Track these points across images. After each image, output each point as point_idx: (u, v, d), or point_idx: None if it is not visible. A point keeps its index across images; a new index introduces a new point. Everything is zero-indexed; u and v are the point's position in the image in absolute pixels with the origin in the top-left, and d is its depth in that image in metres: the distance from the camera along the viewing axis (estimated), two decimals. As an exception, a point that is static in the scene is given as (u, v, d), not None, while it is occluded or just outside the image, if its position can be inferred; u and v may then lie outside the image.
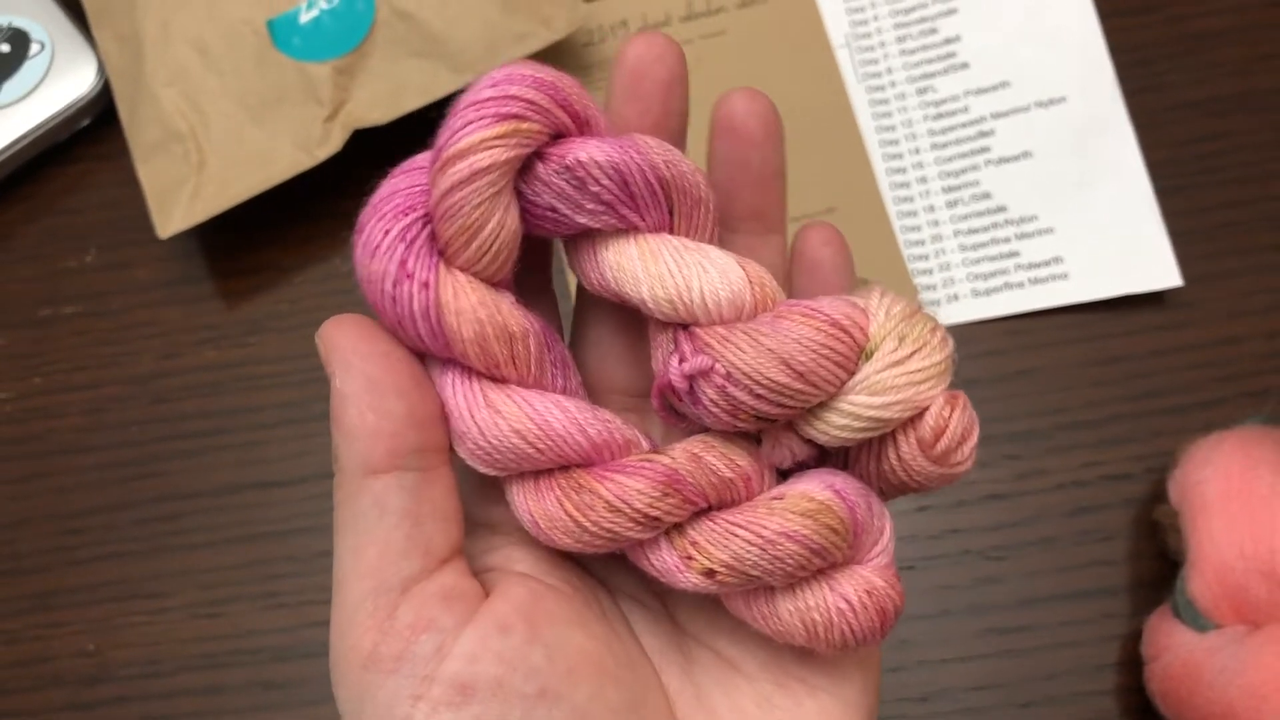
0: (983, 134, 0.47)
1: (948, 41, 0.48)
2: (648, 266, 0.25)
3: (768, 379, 0.23)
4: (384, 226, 0.24)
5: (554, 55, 0.49)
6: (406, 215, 0.25)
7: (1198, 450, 0.39)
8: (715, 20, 0.50)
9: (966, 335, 0.44)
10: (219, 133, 0.46)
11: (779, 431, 0.25)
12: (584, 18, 0.47)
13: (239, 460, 0.45)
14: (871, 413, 0.24)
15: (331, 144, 0.46)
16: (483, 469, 0.25)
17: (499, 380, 0.25)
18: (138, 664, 0.43)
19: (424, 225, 0.25)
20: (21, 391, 0.46)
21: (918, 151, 0.47)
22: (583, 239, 0.26)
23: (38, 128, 0.48)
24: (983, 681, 0.40)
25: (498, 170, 0.24)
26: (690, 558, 0.25)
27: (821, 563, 0.25)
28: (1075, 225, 0.45)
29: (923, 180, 0.46)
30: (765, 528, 0.24)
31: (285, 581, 0.43)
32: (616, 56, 0.26)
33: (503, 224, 0.24)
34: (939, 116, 0.47)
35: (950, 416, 0.24)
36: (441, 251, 0.24)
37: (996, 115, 0.47)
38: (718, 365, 0.24)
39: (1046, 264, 0.44)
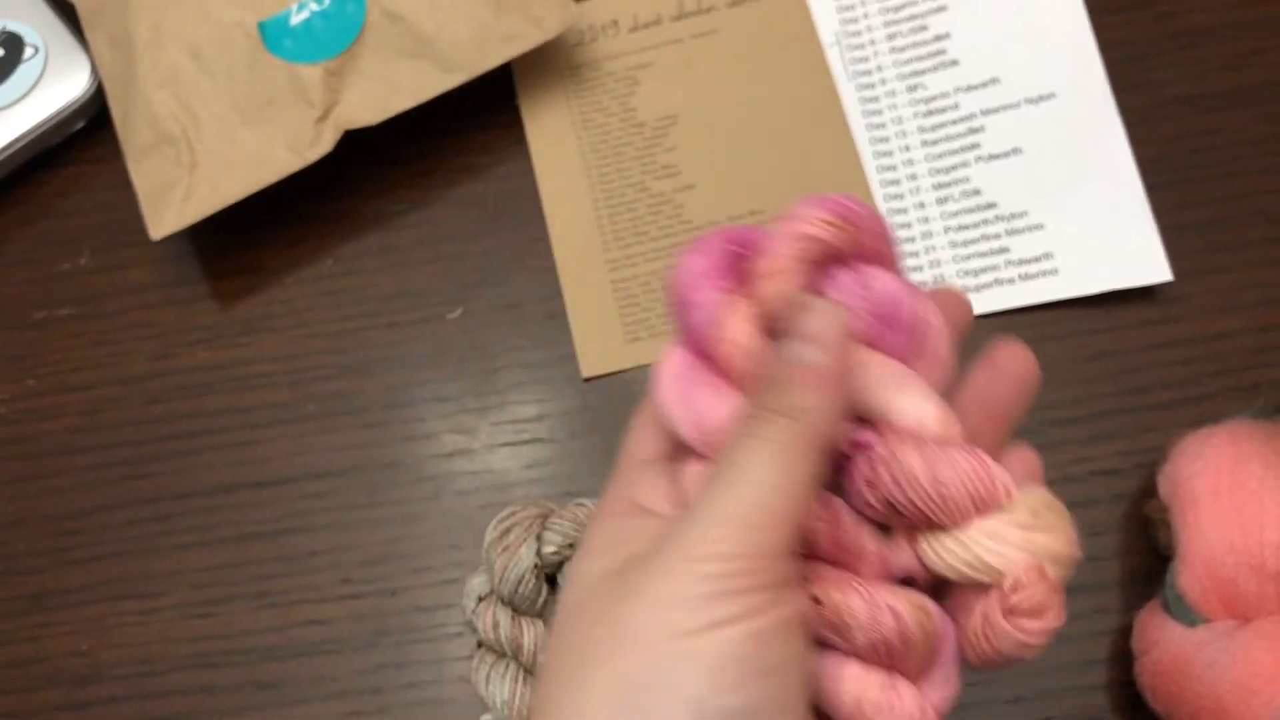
0: (973, 131, 0.47)
1: (938, 39, 0.48)
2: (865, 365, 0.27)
3: (911, 473, 0.26)
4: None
5: (545, 55, 0.49)
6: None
7: (1187, 445, 0.39)
8: (706, 19, 0.50)
9: (956, 332, 0.44)
10: (211, 134, 0.46)
11: (899, 536, 0.27)
12: (575, 17, 0.48)
13: (231, 460, 0.45)
14: (981, 551, 0.26)
15: (322, 145, 0.46)
16: None
17: None
18: (131, 664, 0.43)
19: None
20: (16, 393, 0.47)
21: (908, 149, 0.47)
22: None
23: (32, 131, 0.49)
24: (972, 677, 0.40)
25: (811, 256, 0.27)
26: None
27: (898, 653, 0.26)
28: (1065, 221, 0.45)
29: (913, 177, 0.46)
30: (877, 593, 0.26)
31: (277, 581, 0.43)
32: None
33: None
34: (929, 114, 0.47)
35: (1035, 580, 0.26)
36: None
37: (986, 112, 0.47)
38: (879, 445, 0.26)
39: (1036, 260, 0.44)
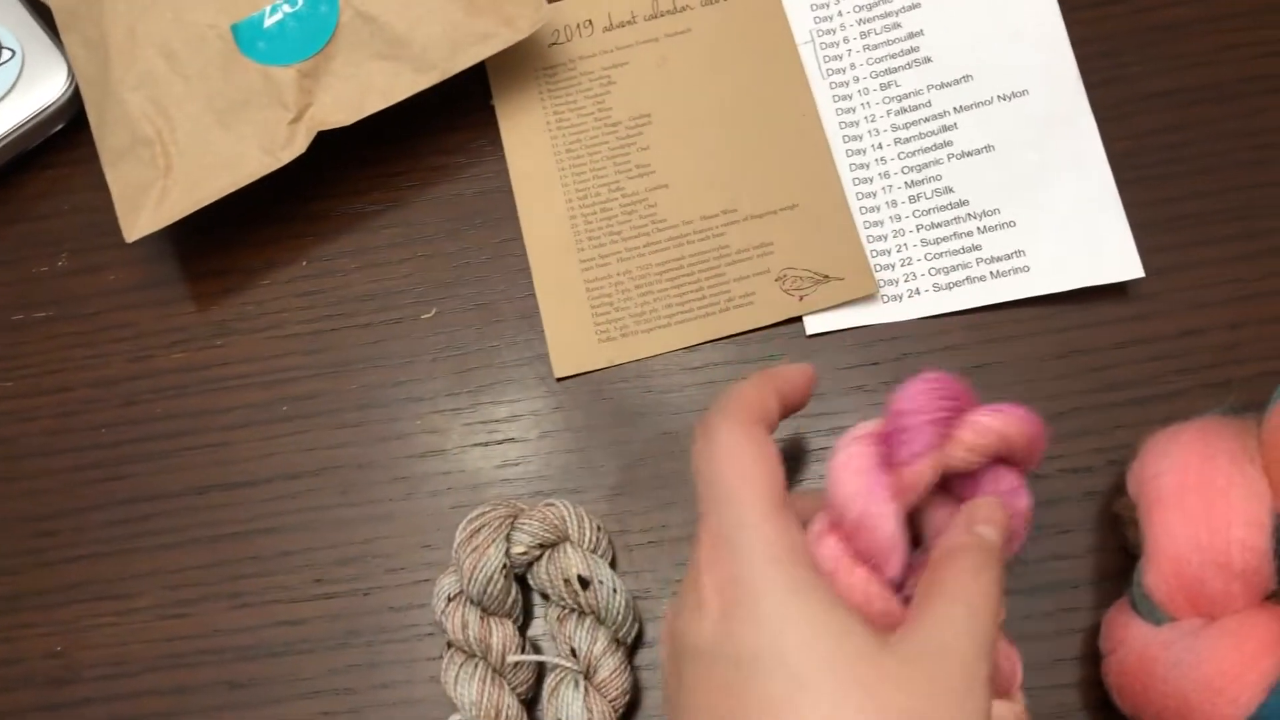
0: (945, 128, 0.47)
1: (911, 36, 0.48)
2: None
3: None
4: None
5: (519, 54, 0.49)
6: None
7: (1155, 442, 0.39)
8: (680, 18, 0.50)
9: (927, 329, 0.44)
10: (185, 136, 0.46)
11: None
12: (548, 17, 0.48)
13: (206, 461, 0.45)
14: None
15: (296, 146, 0.46)
16: None
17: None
18: (105, 665, 0.43)
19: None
20: (-6, 395, 0.47)
21: (880, 146, 0.47)
22: None
23: (9, 133, 0.49)
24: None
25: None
26: None
27: None
28: (1037, 218, 0.45)
29: (885, 175, 0.46)
30: None
31: (250, 581, 0.44)
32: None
33: None
34: (902, 111, 0.47)
35: None
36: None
37: (959, 109, 0.47)
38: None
39: (1008, 257, 0.44)
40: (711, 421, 0.32)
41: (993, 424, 0.33)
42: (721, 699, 0.28)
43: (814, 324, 0.45)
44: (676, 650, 0.30)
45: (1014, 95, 0.46)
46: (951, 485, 0.34)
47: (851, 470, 0.31)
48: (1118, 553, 0.41)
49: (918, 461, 0.31)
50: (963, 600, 0.29)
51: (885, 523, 0.30)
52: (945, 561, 0.31)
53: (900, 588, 0.31)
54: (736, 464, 0.30)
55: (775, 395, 0.34)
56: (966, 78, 0.47)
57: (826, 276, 0.46)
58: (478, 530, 0.41)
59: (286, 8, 0.47)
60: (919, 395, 0.32)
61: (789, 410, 0.35)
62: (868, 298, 0.45)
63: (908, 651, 0.28)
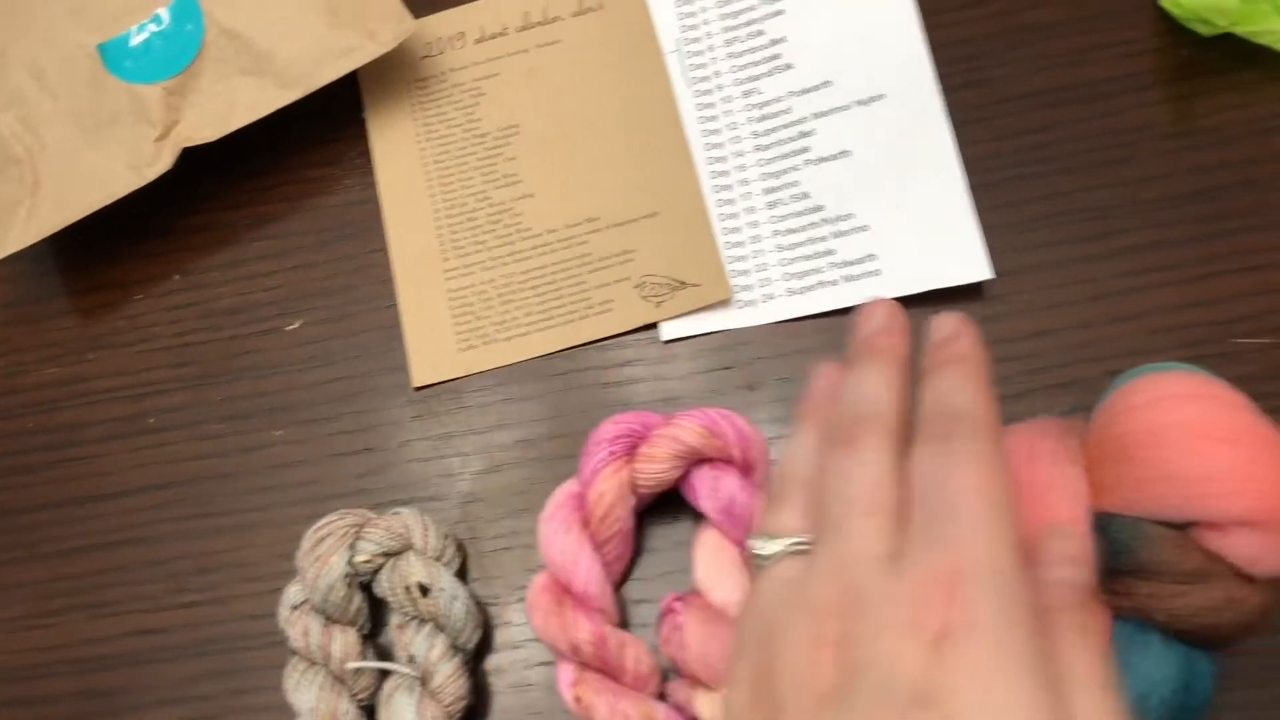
0: (804, 134, 0.47)
1: (774, 43, 0.48)
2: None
3: (688, 642, 0.39)
4: None
5: (390, 67, 0.50)
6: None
7: None
8: (551, 29, 0.50)
9: (779, 333, 0.45)
10: (54, 155, 0.47)
11: (685, 677, 0.39)
12: (415, 30, 0.48)
13: (73, 475, 0.46)
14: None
15: (162, 163, 0.47)
16: None
17: None
18: (-31, 674, 0.44)
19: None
20: (-126, 411, 0.48)
21: (741, 154, 0.47)
22: None
23: (-104, 155, 0.50)
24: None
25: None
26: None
27: None
28: (889, 222, 0.45)
29: (744, 182, 0.47)
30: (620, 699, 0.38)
31: (113, 591, 0.44)
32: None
33: None
34: (763, 119, 0.47)
35: None
36: None
37: (817, 115, 0.47)
38: (680, 613, 0.39)
39: (860, 261, 0.45)
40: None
41: (673, 433, 0.39)
42: None
43: (670, 330, 0.45)
44: None
45: (871, 100, 0.46)
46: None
47: (555, 534, 0.40)
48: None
49: (595, 479, 0.39)
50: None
51: (584, 568, 0.39)
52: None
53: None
54: None
55: None
56: (826, 83, 0.47)
57: (683, 283, 0.46)
58: (322, 539, 0.41)
59: (153, 27, 0.48)
60: (602, 428, 0.40)
61: None
62: (723, 303, 0.45)
63: None
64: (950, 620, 0.23)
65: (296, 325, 0.47)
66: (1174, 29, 0.46)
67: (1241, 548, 0.32)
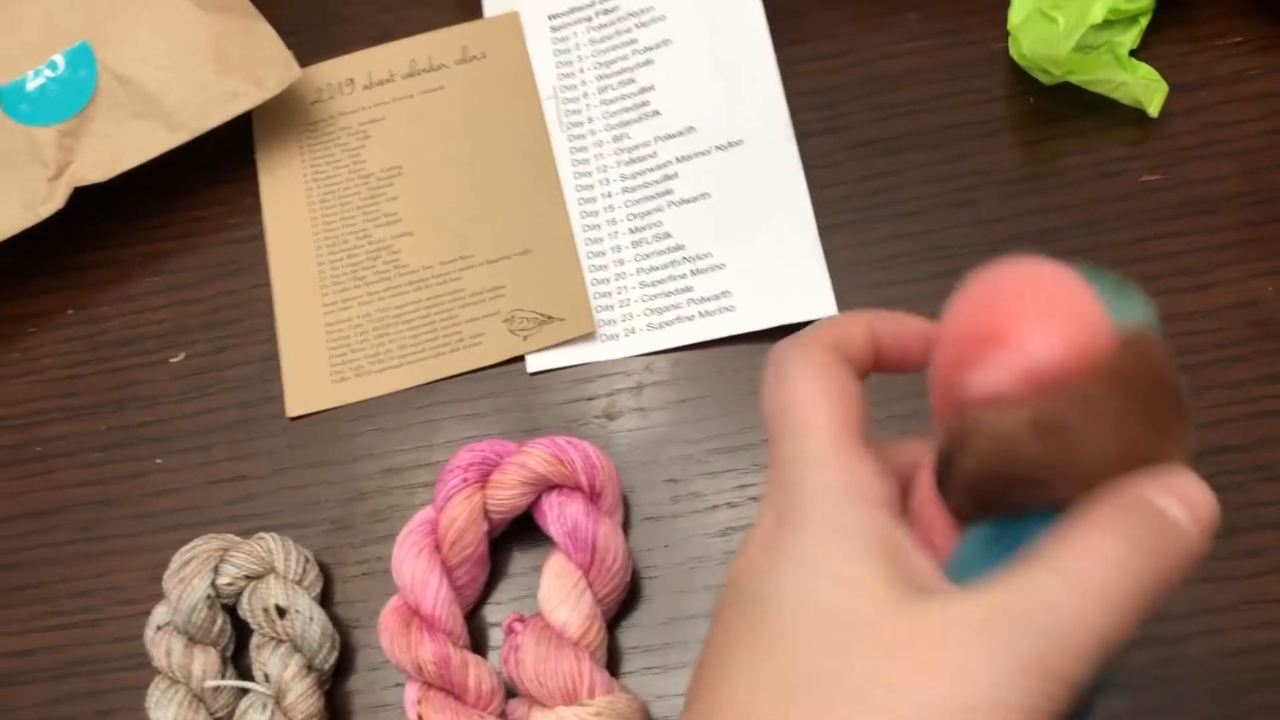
0: (668, 177, 0.49)
1: (643, 90, 0.51)
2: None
3: (526, 662, 0.40)
4: None
5: (279, 112, 0.52)
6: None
7: None
8: (435, 76, 0.53)
9: (637, 366, 0.46)
10: (-49, 193, 0.49)
11: (525, 696, 0.41)
12: (301, 77, 0.50)
13: (-44, 501, 0.47)
14: None
15: (55, 202, 0.49)
16: None
17: None
18: None
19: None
20: None
21: (610, 195, 0.49)
22: None
23: None
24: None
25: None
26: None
27: None
28: (744, 261, 0.47)
29: (612, 222, 0.49)
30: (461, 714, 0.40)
31: (-12, 614, 0.46)
32: None
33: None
34: (631, 162, 0.50)
35: None
36: None
37: (681, 159, 0.49)
38: (520, 634, 0.40)
39: (716, 297, 0.47)
40: (782, 348, 0.27)
41: (521, 460, 0.42)
42: (730, 634, 0.25)
43: (535, 362, 0.47)
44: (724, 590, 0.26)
45: (731, 145, 0.49)
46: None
47: (407, 558, 0.42)
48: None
49: (448, 505, 0.41)
50: (1106, 552, 0.22)
51: (434, 591, 0.41)
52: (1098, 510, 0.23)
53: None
54: (803, 393, 0.26)
55: (866, 331, 0.28)
56: (690, 129, 0.50)
57: (550, 317, 0.48)
58: (188, 562, 0.43)
59: (48, 73, 0.50)
60: (458, 456, 0.42)
61: (892, 363, 0.29)
62: (586, 336, 0.47)
63: (987, 605, 0.22)
64: None
65: (180, 357, 0.49)
66: (1022, 78, 0.49)
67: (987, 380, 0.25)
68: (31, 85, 0.50)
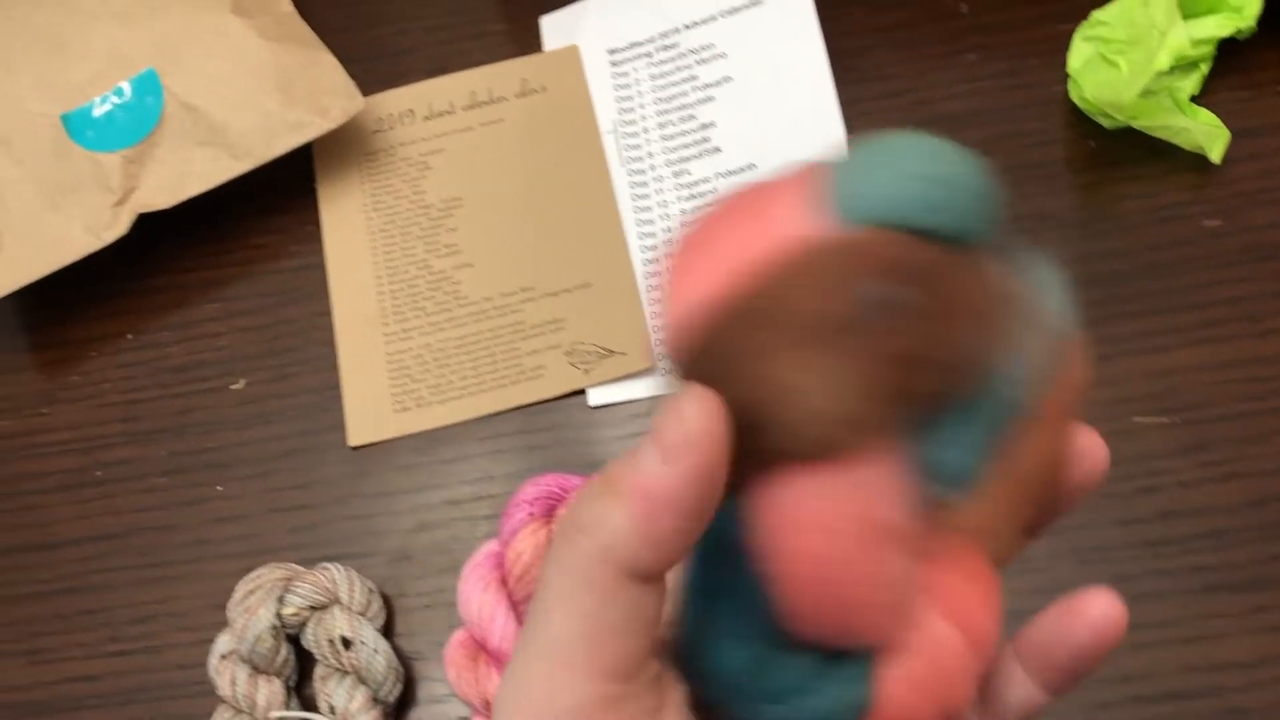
0: (729, 213, 0.49)
1: (704, 127, 0.51)
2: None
3: None
4: None
5: (340, 141, 0.52)
6: None
7: None
8: (496, 109, 0.53)
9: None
10: (16, 217, 0.49)
11: None
12: (364, 107, 0.51)
13: (18, 524, 0.48)
14: None
15: (119, 227, 0.49)
16: None
17: None
18: (-95, 717, 0.45)
19: None
20: None
21: (670, 230, 0.50)
22: None
23: None
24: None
25: None
26: None
27: None
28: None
29: (673, 256, 0.49)
30: None
31: (48, 639, 0.46)
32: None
33: None
34: (691, 198, 0.50)
35: None
36: None
37: (742, 195, 0.49)
38: None
39: (778, 335, 0.47)
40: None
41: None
42: None
43: (596, 396, 0.47)
44: None
45: (793, 182, 0.49)
46: None
47: (473, 591, 0.41)
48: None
49: (514, 539, 0.41)
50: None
51: (500, 625, 0.41)
52: None
53: None
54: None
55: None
56: (751, 166, 0.50)
57: (611, 351, 0.48)
58: (252, 591, 0.43)
59: (115, 99, 0.50)
60: (523, 490, 0.42)
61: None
62: (648, 370, 0.47)
63: None
64: None
65: (241, 385, 0.49)
66: (1081, 121, 0.49)
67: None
68: (98, 111, 0.50)
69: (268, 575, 0.43)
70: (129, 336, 0.51)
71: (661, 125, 0.52)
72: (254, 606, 0.42)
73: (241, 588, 0.43)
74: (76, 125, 0.50)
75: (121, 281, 0.52)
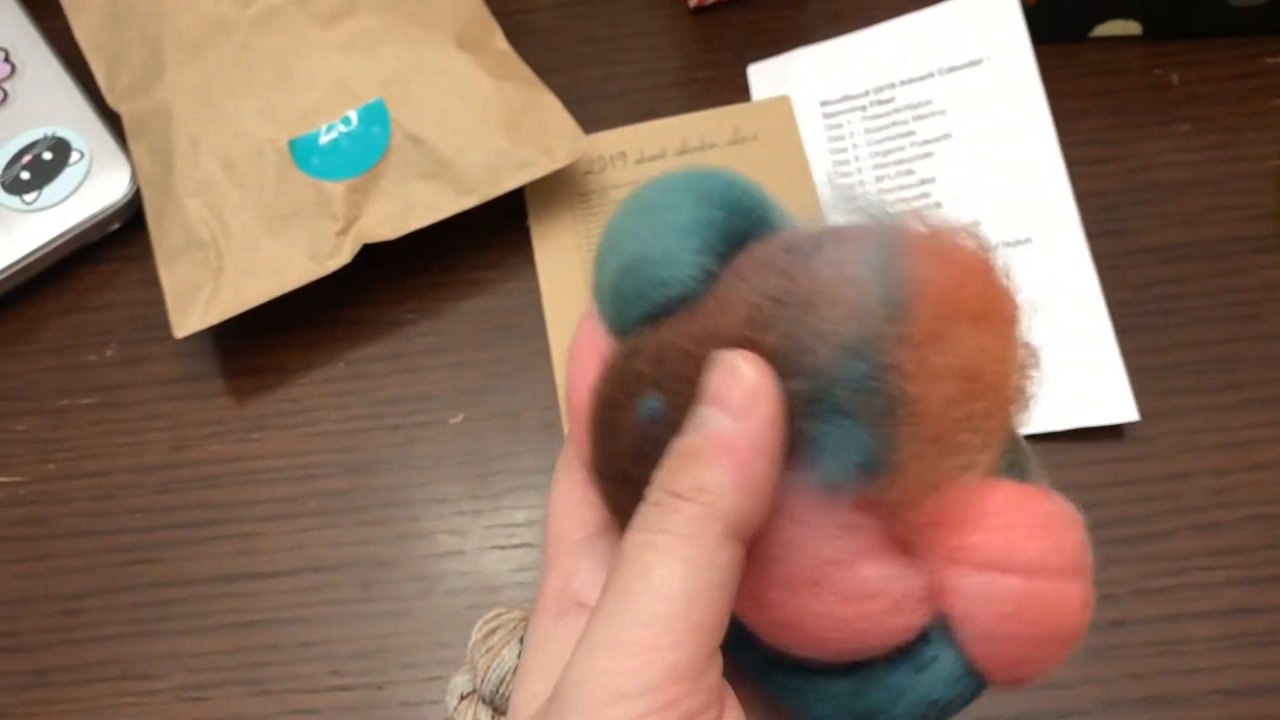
0: (952, 270, 0.49)
1: (923, 182, 0.51)
2: None
3: None
4: None
5: (556, 181, 0.53)
6: None
7: None
8: (707, 155, 0.53)
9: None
10: (238, 241, 0.49)
11: None
12: (585, 149, 0.51)
13: (233, 550, 0.47)
14: None
15: (342, 256, 0.49)
16: None
17: None
18: (123, 744, 0.44)
19: None
20: (36, 476, 0.49)
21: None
22: None
23: (73, 229, 0.52)
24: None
25: None
26: None
27: None
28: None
29: (894, 311, 0.49)
30: None
31: (269, 669, 0.45)
32: None
33: None
34: (912, 252, 0.50)
35: None
36: None
37: (965, 253, 0.50)
38: None
39: (1008, 395, 0.47)
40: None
41: None
42: None
43: (822, 448, 0.47)
44: None
45: (1019, 243, 0.49)
46: None
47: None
48: (1117, 683, 0.42)
49: None
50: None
51: None
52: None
53: None
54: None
55: None
56: (975, 223, 0.50)
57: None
58: (493, 631, 0.42)
59: (341, 127, 0.50)
60: None
61: None
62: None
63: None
64: None
65: (459, 419, 0.49)
66: (1295, 196, 0.50)
67: None
68: (324, 139, 0.50)
69: (507, 615, 0.43)
70: (340, 365, 0.50)
71: (879, 179, 0.52)
72: (496, 647, 0.42)
73: (481, 628, 0.43)
74: (302, 152, 0.50)
75: (328, 310, 0.51)
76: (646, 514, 0.21)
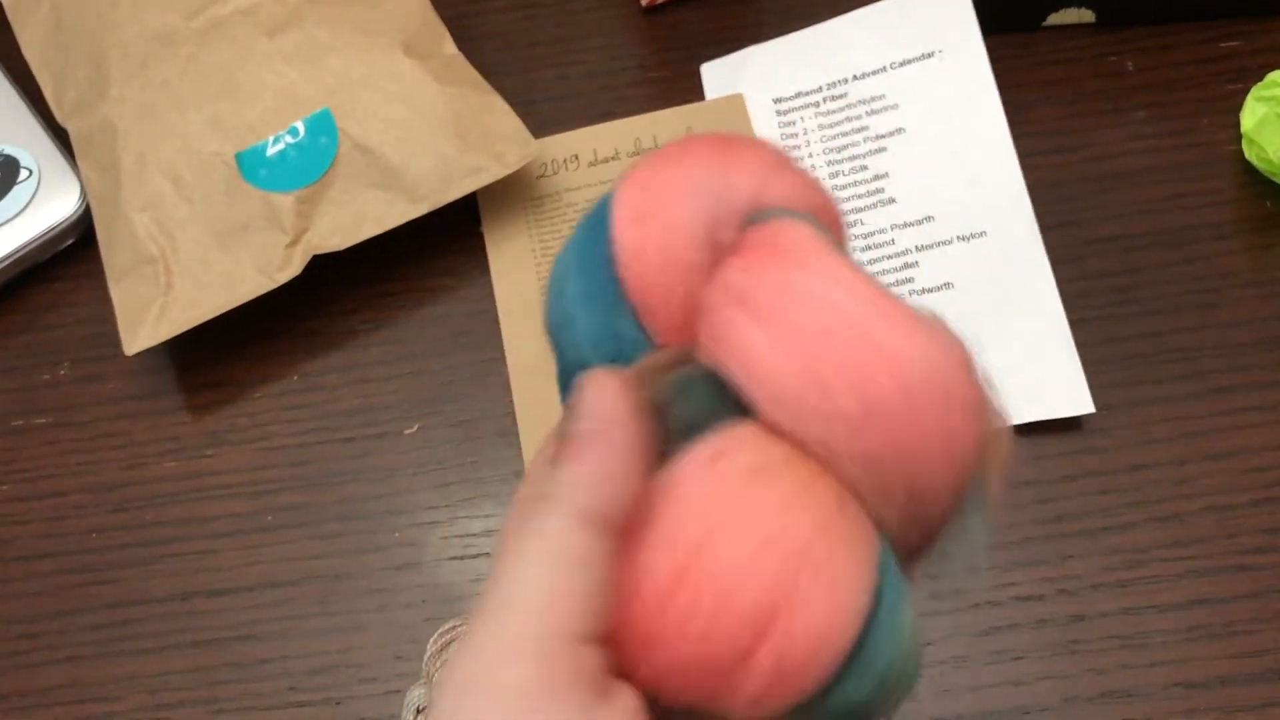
0: (907, 265, 0.49)
1: (877, 178, 0.51)
2: None
3: None
4: None
5: (508, 185, 0.52)
6: None
7: None
8: (660, 155, 0.53)
9: (888, 458, 0.46)
10: (187, 256, 0.49)
11: None
12: (536, 153, 0.51)
13: (190, 569, 0.47)
14: None
15: (291, 268, 0.48)
16: None
17: None
18: (81, 767, 0.44)
19: None
20: (-11, 498, 0.49)
21: (846, 281, 0.49)
22: None
23: (23, 247, 0.52)
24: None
25: None
26: None
27: None
28: (992, 354, 0.47)
29: (850, 308, 0.49)
30: None
31: (227, 688, 0.45)
32: None
33: None
34: (867, 249, 0.50)
35: None
36: None
37: (921, 248, 0.49)
38: None
39: (965, 390, 0.47)
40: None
41: None
42: None
43: (779, 449, 0.47)
44: None
45: (973, 236, 0.49)
46: None
47: None
48: (1077, 678, 0.42)
49: None
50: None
51: None
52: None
53: None
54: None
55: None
56: (928, 218, 0.50)
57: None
58: (449, 644, 0.42)
59: (289, 139, 0.50)
60: None
61: None
62: (831, 425, 0.47)
63: None
64: None
65: (414, 429, 0.49)
66: (1256, 181, 0.50)
67: None
68: (271, 151, 0.50)
69: (462, 627, 0.43)
70: (294, 378, 0.50)
71: (833, 175, 0.51)
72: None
73: (436, 641, 0.42)
74: (250, 164, 0.50)
75: (282, 323, 0.51)
76: (516, 518, 0.23)
